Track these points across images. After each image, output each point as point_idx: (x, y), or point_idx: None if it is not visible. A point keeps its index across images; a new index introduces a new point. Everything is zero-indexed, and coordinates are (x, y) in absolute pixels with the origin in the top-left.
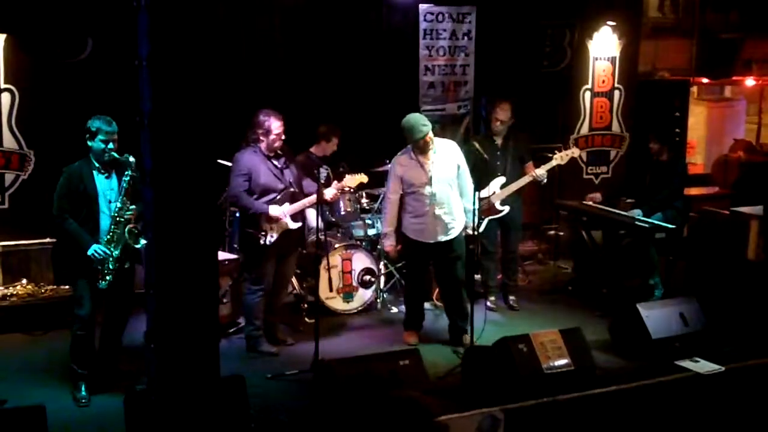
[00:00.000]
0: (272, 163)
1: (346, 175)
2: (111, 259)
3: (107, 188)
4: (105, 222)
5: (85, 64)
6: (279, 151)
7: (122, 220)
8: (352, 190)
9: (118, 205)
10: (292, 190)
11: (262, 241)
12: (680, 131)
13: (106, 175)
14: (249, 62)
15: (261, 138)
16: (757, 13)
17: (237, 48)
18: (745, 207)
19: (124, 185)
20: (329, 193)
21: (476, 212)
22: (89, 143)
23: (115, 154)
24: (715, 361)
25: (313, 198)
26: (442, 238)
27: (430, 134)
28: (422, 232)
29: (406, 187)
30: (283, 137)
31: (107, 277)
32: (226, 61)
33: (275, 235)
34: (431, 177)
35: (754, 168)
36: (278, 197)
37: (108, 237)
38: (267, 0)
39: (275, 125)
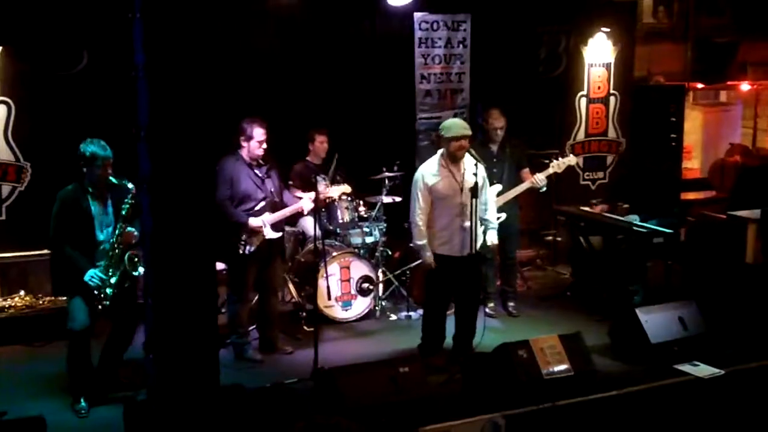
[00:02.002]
0: (254, 171)
1: (329, 187)
2: (108, 284)
3: (101, 213)
4: (100, 247)
5: (81, 76)
6: (261, 160)
7: (120, 245)
8: (336, 200)
9: (117, 231)
10: (273, 199)
11: (241, 251)
12: (676, 136)
13: (101, 200)
14: (245, 72)
15: (242, 144)
16: (750, 16)
17: (233, 58)
18: (743, 211)
19: (123, 212)
20: (307, 205)
21: (479, 221)
22: (85, 169)
23: (114, 179)
24: (715, 365)
25: (294, 208)
26: (469, 252)
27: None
28: (450, 246)
29: (434, 198)
30: (265, 145)
31: (105, 302)
32: (222, 71)
33: (255, 245)
34: (462, 187)
35: (750, 172)
36: (258, 207)
37: (106, 263)
38: (262, 9)
39: (257, 132)
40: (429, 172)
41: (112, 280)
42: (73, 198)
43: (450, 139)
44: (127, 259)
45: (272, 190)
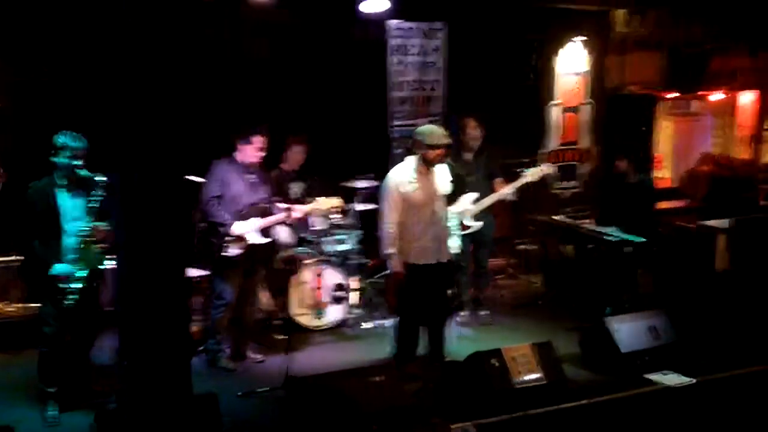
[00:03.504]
0: (247, 176)
1: (318, 198)
2: (76, 278)
3: (71, 206)
4: (68, 240)
5: (57, 80)
6: (256, 168)
7: (89, 239)
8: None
9: (85, 224)
10: (263, 206)
11: (224, 253)
12: (648, 145)
13: (71, 193)
14: (218, 79)
15: (240, 147)
16: (724, 27)
17: (206, 65)
18: (713, 220)
19: (93, 205)
20: (296, 213)
21: (450, 228)
22: (54, 159)
23: (85, 172)
24: (685, 374)
25: (282, 216)
26: (442, 259)
27: None
28: (424, 253)
29: (407, 206)
30: (261, 154)
31: (72, 296)
32: (194, 78)
33: (238, 249)
34: (437, 194)
35: (721, 182)
36: (247, 212)
37: (74, 256)
38: (235, 16)
39: (257, 138)
40: (403, 179)
41: (80, 274)
42: (43, 190)
43: (431, 146)
44: (95, 252)
45: (263, 197)
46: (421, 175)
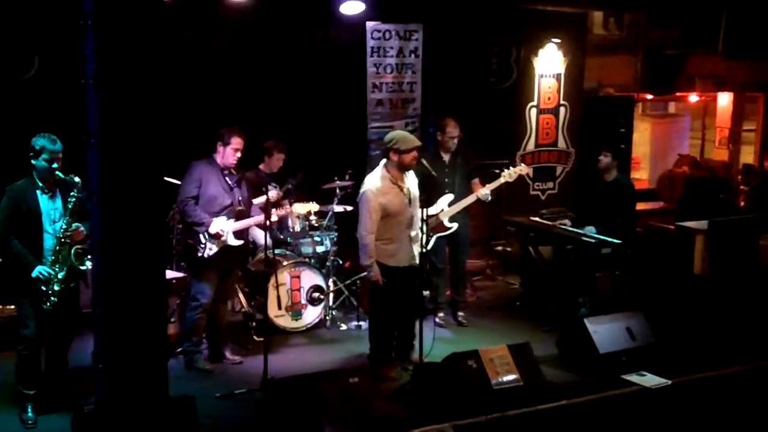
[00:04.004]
0: (224, 177)
1: (295, 204)
2: (55, 280)
3: (51, 208)
4: (49, 242)
5: (31, 82)
6: (233, 170)
7: (67, 241)
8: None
9: (63, 225)
10: (238, 208)
11: (200, 253)
12: (625, 147)
13: (50, 194)
14: (197, 81)
15: (218, 149)
16: (700, 29)
17: (184, 66)
18: (691, 222)
19: (70, 206)
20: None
21: (425, 229)
22: (33, 162)
23: (61, 174)
24: (662, 375)
25: (258, 218)
26: (414, 262)
27: None
28: (397, 257)
29: (385, 213)
30: (239, 155)
31: (52, 298)
32: (173, 80)
33: (214, 249)
34: (410, 199)
35: (698, 183)
36: (223, 213)
37: (53, 258)
38: (214, 18)
39: (235, 140)
40: (379, 189)
41: (60, 276)
42: (22, 191)
43: (405, 152)
44: (74, 253)
45: (239, 199)
46: (396, 181)
